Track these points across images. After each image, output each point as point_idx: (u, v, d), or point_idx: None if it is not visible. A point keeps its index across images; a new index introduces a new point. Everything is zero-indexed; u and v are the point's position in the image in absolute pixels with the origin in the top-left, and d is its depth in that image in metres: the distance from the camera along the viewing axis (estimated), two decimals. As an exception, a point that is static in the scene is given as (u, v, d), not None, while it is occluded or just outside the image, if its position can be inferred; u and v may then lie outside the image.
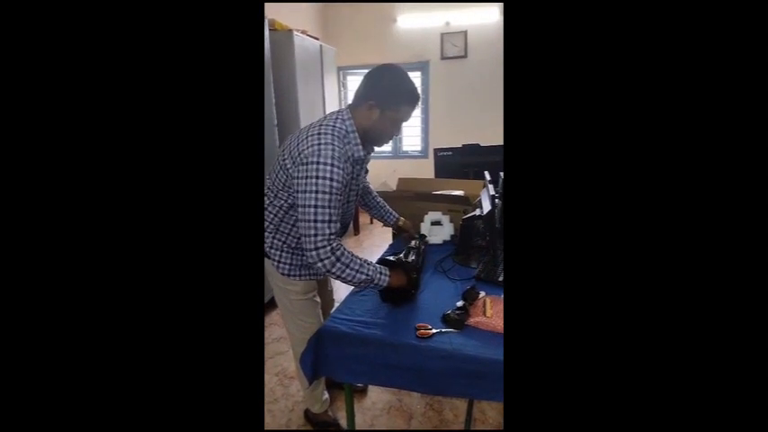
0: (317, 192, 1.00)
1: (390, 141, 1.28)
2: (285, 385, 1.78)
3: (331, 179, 1.00)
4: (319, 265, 1.02)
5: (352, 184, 1.18)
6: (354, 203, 1.30)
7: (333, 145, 1.03)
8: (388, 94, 1.10)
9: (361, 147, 1.13)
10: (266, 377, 1.83)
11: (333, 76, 3.23)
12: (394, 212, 1.58)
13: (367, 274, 1.06)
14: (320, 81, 2.97)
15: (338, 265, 1.02)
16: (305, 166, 1.02)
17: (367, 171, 1.40)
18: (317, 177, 1.00)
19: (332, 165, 1.01)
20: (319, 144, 1.03)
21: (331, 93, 3.21)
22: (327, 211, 1.01)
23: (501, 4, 3.63)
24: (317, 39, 2.98)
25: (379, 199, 1.57)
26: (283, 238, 1.22)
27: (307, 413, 1.57)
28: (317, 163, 1.00)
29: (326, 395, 1.52)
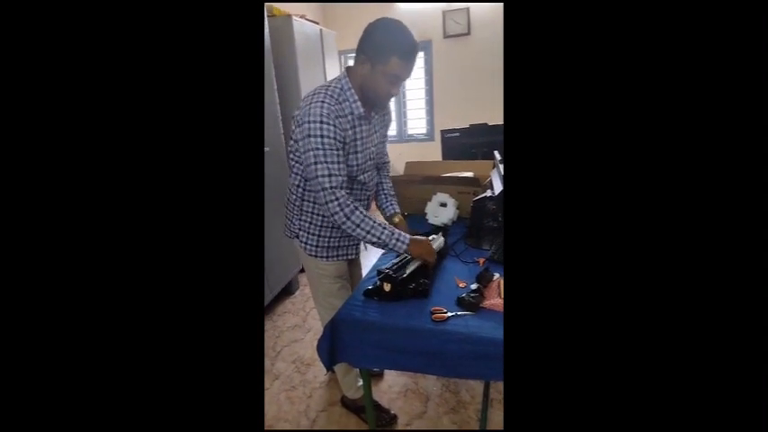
0: (313, 149, 1.07)
1: (391, 100, 1.24)
2: (302, 372, 1.81)
3: (321, 135, 1.06)
4: (334, 219, 1.11)
5: (363, 143, 1.19)
6: (372, 162, 1.27)
7: (322, 103, 1.07)
8: (377, 47, 1.07)
9: (359, 103, 1.14)
10: (283, 365, 1.86)
11: (334, 61, 3.17)
12: (395, 205, 1.42)
13: (378, 238, 1.12)
14: (322, 66, 2.91)
15: (348, 223, 1.11)
16: (299, 128, 1.09)
17: (388, 161, 1.44)
18: (309, 136, 1.06)
19: (320, 122, 1.06)
20: (310, 104, 1.08)
21: (333, 77, 3.15)
22: (325, 165, 1.07)
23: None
24: (316, 23, 2.91)
25: (387, 185, 1.44)
26: (308, 219, 1.25)
27: (343, 399, 1.59)
28: (308, 122, 1.06)
29: (360, 381, 1.51)
